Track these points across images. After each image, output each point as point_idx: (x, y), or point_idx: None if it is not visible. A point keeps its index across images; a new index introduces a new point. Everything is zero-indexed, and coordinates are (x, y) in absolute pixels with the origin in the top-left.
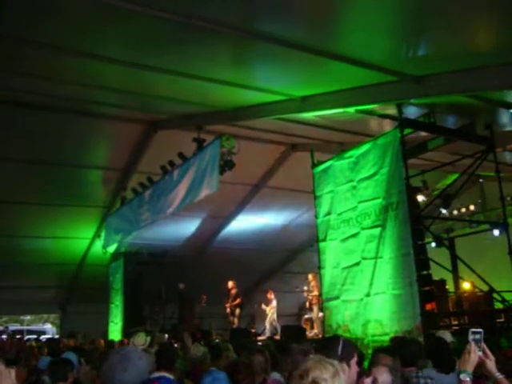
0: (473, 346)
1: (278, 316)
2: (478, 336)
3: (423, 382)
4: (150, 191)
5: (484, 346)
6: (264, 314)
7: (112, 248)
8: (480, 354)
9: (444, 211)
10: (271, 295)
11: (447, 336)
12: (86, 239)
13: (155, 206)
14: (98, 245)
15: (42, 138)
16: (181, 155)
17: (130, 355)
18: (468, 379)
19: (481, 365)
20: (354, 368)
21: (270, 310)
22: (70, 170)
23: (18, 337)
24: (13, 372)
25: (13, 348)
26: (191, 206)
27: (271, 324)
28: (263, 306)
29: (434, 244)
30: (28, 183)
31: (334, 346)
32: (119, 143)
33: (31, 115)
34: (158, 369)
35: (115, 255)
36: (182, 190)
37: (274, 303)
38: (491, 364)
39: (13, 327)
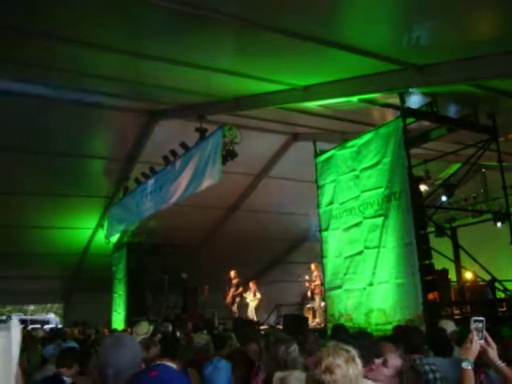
0: (475, 334)
1: (280, 306)
2: (479, 324)
3: (428, 368)
4: (152, 181)
5: (486, 334)
6: (245, 304)
7: (115, 238)
8: (482, 342)
9: (446, 200)
10: (253, 286)
11: (450, 325)
12: (88, 229)
13: (158, 196)
14: (101, 235)
15: (44, 128)
16: (183, 145)
17: (122, 337)
18: (470, 367)
19: (483, 353)
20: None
21: (254, 301)
22: (73, 161)
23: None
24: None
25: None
26: (193, 196)
27: (252, 315)
28: (244, 294)
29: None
30: (31, 174)
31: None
32: (121, 133)
33: (33, 106)
34: (161, 357)
35: (118, 245)
36: (184, 179)
37: (259, 295)
38: (493, 352)
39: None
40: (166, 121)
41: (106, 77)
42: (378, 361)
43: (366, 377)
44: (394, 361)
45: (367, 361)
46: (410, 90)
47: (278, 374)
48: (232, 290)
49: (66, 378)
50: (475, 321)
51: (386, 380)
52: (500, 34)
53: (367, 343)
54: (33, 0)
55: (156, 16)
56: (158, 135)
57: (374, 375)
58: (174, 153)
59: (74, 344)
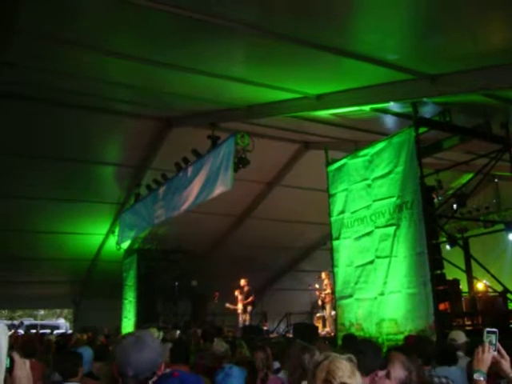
0: (487, 345)
1: (290, 314)
2: (493, 336)
3: (437, 381)
4: (164, 188)
5: (499, 345)
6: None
7: (126, 244)
8: (495, 353)
9: (458, 211)
10: (244, 283)
11: (461, 336)
12: (99, 235)
13: (169, 203)
14: (112, 241)
15: (56, 134)
16: (195, 152)
17: (144, 337)
18: (482, 378)
19: (495, 365)
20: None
21: (240, 308)
22: (85, 166)
23: (32, 331)
24: (27, 362)
25: (32, 342)
26: (205, 203)
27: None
28: (227, 305)
29: (448, 247)
30: (43, 179)
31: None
32: (134, 140)
33: (47, 111)
34: (172, 363)
35: (129, 251)
36: (196, 187)
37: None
38: (506, 364)
39: (27, 321)
40: (178, 128)
41: (120, 83)
42: (381, 373)
43: None
44: (398, 372)
45: (369, 370)
46: (423, 99)
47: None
48: (241, 298)
49: None
50: (488, 332)
51: None
52: None
53: (371, 353)
54: (58, 7)
55: (171, 24)
56: (170, 142)
57: None
58: (186, 160)
59: (88, 349)
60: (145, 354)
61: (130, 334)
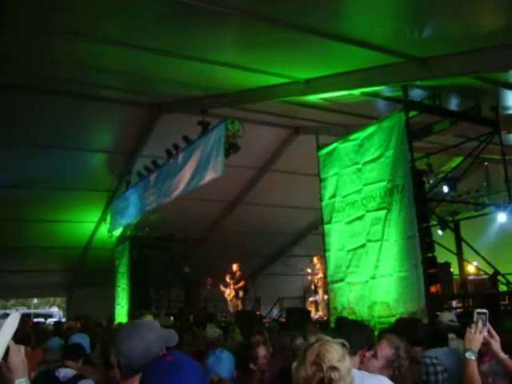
0: (479, 325)
1: (283, 299)
2: (483, 317)
3: (429, 361)
4: (155, 175)
5: (489, 326)
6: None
7: (118, 232)
8: (485, 334)
9: (449, 194)
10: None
11: (451, 317)
12: (91, 223)
13: (160, 190)
14: (104, 228)
15: (47, 121)
16: (186, 138)
17: (139, 327)
18: (473, 357)
19: (486, 345)
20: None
21: (231, 293)
22: (76, 154)
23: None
24: (22, 349)
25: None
26: (196, 190)
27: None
28: (222, 288)
29: (440, 232)
30: (33, 167)
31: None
32: (124, 127)
33: (36, 99)
34: (167, 349)
35: (121, 239)
36: (187, 173)
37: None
38: (496, 344)
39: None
40: (168, 114)
41: (110, 70)
42: (368, 353)
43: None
44: (385, 351)
45: (355, 350)
46: (413, 82)
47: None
48: (233, 283)
49: (68, 370)
50: (479, 313)
51: (378, 372)
52: (504, 27)
53: (355, 332)
54: None
55: (160, 9)
56: (160, 129)
57: (366, 367)
58: (176, 146)
59: (84, 336)
60: (136, 343)
61: (129, 322)
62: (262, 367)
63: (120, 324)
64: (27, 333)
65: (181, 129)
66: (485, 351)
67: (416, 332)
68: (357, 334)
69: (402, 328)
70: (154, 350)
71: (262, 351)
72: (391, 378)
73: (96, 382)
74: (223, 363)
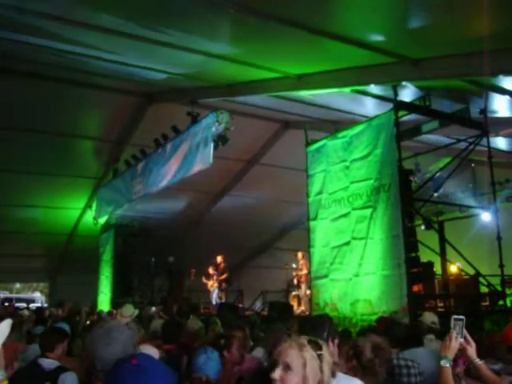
0: (454, 333)
1: (266, 292)
2: (460, 323)
3: (403, 363)
4: (142, 164)
5: (465, 332)
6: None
7: (103, 219)
8: (461, 340)
9: (435, 194)
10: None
11: (433, 318)
12: (77, 210)
13: (148, 179)
14: (89, 216)
15: (34, 106)
16: (174, 129)
17: (112, 331)
18: (448, 365)
19: (462, 350)
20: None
21: (213, 285)
22: (63, 140)
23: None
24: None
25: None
26: (184, 180)
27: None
28: (204, 280)
29: (423, 227)
30: (19, 152)
31: (323, 325)
32: (113, 114)
33: (24, 83)
34: (164, 343)
35: (106, 226)
36: (174, 164)
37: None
38: (472, 350)
39: (2, 294)
40: (158, 104)
41: (100, 57)
42: (334, 342)
43: None
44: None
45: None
46: (404, 83)
47: None
48: (217, 275)
49: (50, 361)
50: (455, 319)
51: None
52: (496, 31)
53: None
54: None
55: None
56: (149, 118)
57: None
58: (165, 136)
59: (64, 326)
60: (112, 348)
61: (99, 325)
62: (233, 359)
63: (101, 313)
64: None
65: (170, 119)
66: (460, 355)
67: (394, 333)
68: (319, 327)
69: (382, 329)
70: (129, 351)
71: (236, 344)
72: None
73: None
74: (213, 364)
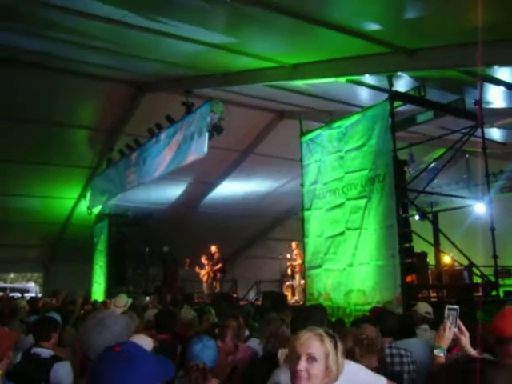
0: (448, 323)
1: (260, 282)
2: (453, 313)
3: (395, 352)
4: (136, 154)
5: (459, 322)
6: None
7: (97, 209)
8: (455, 330)
9: (429, 185)
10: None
11: (428, 308)
12: (71, 199)
13: (142, 169)
14: (83, 205)
15: (27, 95)
16: (169, 118)
17: (105, 320)
18: (442, 355)
19: (455, 340)
20: None
21: (206, 274)
22: (57, 129)
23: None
24: None
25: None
26: (178, 170)
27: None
28: (197, 269)
29: (417, 217)
30: (14, 141)
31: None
32: (107, 104)
33: (18, 73)
34: (158, 333)
35: (100, 216)
36: (169, 153)
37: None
38: (465, 340)
39: None
40: (152, 93)
41: (95, 47)
42: None
43: None
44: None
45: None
46: (399, 73)
47: (282, 351)
48: (211, 265)
49: (45, 350)
50: (449, 309)
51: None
52: (491, 23)
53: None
54: None
55: None
56: (143, 107)
57: None
58: (159, 126)
59: (56, 315)
60: (104, 337)
61: (92, 315)
62: (227, 348)
63: (95, 303)
64: (1, 310)
65: (164, 108)
66: (453, 345)
67: (386, 322)
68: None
69: (375, 319)
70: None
71: (230, 333)
72: None
73: None
74: (210, 352)
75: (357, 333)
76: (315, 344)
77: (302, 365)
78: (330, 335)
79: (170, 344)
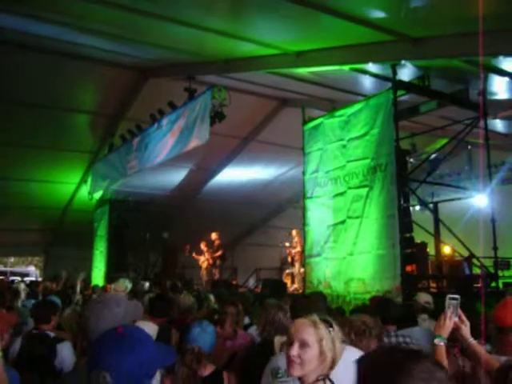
0: (449, 311)
1: (259, 269)
2: (454, 302)
3: (401, 340)
4: (138, 139)
5: (460, 311)
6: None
7: (98, 194)
8: (456, 319)
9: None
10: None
11: (428, 298)
12: (72, 184)
13: (143, 155)
14: (84, 190)
15: (29, 79)
16: (171, 104)
17: (107, 302)
18: (442, 343)
19: (456, 330)
20: None
21: (205, 261)
22: (58, 114)
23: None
24: None
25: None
26: (179, 156)
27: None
28: (195, 256)
29: (418, 207)
30: (15, 125)
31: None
32: (109, 88)
33: (20, 55)
34: (154, 317)
35: (101, 201)
36: (170, 139)
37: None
38: (466, 329)
39: None
40: (155, 79)
41: (98, 31)
42: None
43: None
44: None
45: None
46: (403, 62)
47: (278, 338)
48: (211, 252)
49: (49, 333)
50: (450, 298)
51: None
52: (497, 12)
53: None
54: None
55: None
56: (146, 93)
57: None
58: (161, 112)
59: (56, 299)
60: (105, 316)
61: (96, 297)
62: (226, 335)
63: (95, 287)
64: (3, 293)
65: (167, 94)
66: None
67: (388, 311)
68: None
69: (376, 307)
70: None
71: (229, 319)
72: None
73: None
74: (208, 336)
75: (353, 320)
76: (308, 330)
77: (295, 350)
78: (325, 321)
79: (164, 328)
